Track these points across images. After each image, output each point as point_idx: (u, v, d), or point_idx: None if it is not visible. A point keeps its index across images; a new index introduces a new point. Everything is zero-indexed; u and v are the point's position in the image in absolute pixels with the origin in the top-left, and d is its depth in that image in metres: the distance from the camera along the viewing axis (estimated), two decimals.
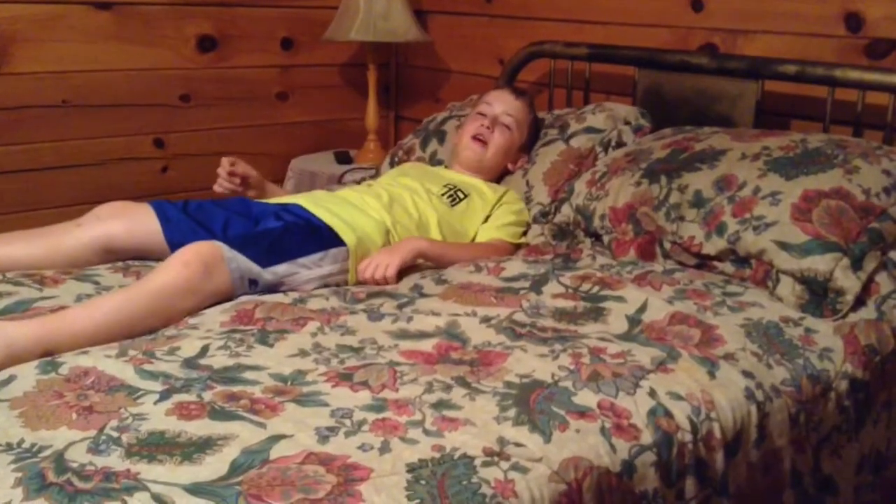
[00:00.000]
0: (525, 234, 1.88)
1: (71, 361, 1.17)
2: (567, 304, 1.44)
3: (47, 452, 0.96)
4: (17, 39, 2.20)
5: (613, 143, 1.97)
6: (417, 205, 1.79)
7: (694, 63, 1.99)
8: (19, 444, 0.97)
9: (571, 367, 1.20)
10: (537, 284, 1.52)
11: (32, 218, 1.97)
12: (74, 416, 1.03)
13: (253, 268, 1.48)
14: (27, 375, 1.13)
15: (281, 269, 1.52)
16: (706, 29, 2.09)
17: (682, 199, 1.62)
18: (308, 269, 1.55)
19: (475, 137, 1.95)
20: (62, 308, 1.35)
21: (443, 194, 1.85)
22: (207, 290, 1.40)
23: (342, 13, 2.53)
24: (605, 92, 2.22)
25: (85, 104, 2.33)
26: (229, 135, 2.59)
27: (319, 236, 1.60)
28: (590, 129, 1.98)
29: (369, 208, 1.73)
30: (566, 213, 1.83)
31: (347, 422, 1.05)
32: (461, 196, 1.86)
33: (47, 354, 1.21)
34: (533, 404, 1.11)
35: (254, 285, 1.48)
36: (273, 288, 1.51)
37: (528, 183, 1.96)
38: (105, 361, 1.17)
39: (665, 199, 1.65)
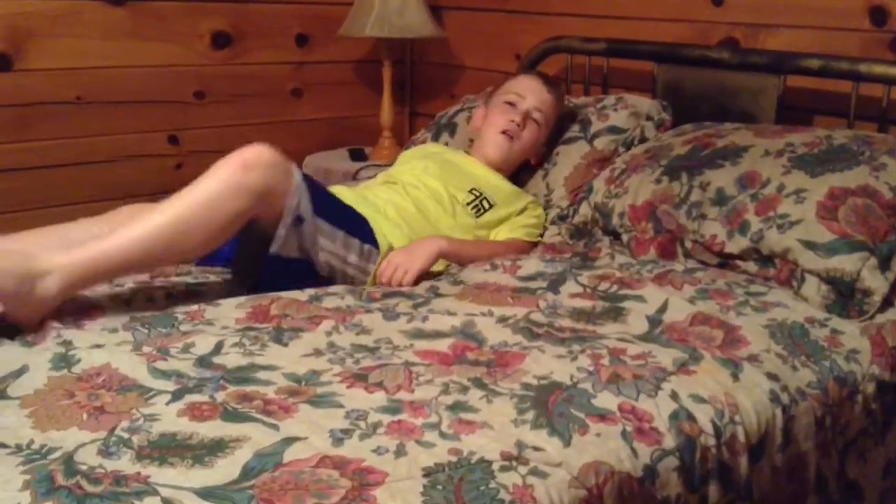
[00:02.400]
0: (542, 235, 1.86)
1: (85, 358, 1.16)
2: (585, 303, 1.41)
3: (57, 454, 0.94)
4: (32, 36, 2.19)
5: (636, 142, 1.94)
6: (440, 220, 1.75)
7: (715, 58, 1.95)
8: (28, 445, 0.96)
9: (591, 369, 1.18)
10: (554, 284, 1.49)
11: (46, 215, 1.95)
12: (85, 416, 1.01)
13: (308, 206, 1.45)
14: (39, 370, 1.12)
15: (325, 226, 1.49)
16: (727, 23, 2.05)
17: (703, 197, 1.59)
18: (339, 245, 1.53)
19: (505, 133, 1.88)
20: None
21: (468, 203, 1.81)
22: (262, 191, 1.37)
23: (357, 9, 2.51)
24: (623, 87, 2.19)
25: (99, 101, 2.32)
26: (244, 131, 2.56)
27: (360, 227, 1.59)
28: (613, 129, 1.94)
29: (399, 218, 1.70)
30: (584, 212, 1.80)
31: (362, 424, 1.03)
32: (486, 206, 1.82)
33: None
34: (552, 407, 1.09)
35: (298, 223, 1.44)
36: (304, 241, 1.46)
37: (548, 186, 1.93)
38: (119, 357, 1.15)
39: (686, 197, 1.61)
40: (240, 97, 2.56)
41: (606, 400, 1.11)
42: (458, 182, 1.84)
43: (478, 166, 1.91)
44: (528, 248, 1.78)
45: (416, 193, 1.78)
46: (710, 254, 1.57)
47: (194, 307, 1.36)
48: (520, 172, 1.97)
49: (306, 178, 1.52)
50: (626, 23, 2.24)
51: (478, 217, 1.80)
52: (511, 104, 1.90)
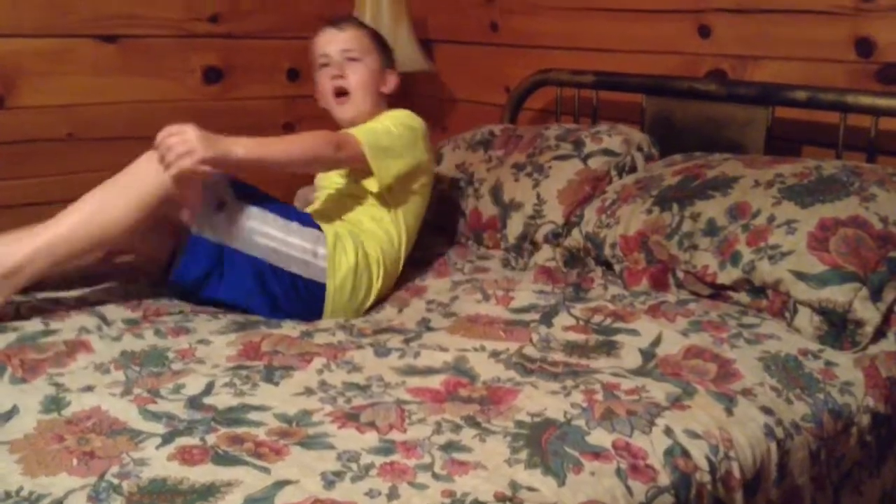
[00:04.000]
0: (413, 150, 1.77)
1: (75, 401, 1.14)
2: (578, 337, 1.41)
3: (46, 501, 0.93)
4: (24, 73, 2.20)
5: (627, 169, 1.94)
6: (355, 209, 1.74)
7: (702, 90, 1.97)
8: (18, 492, 0.94)
9: (584, 405, 1.17)
10: (547, 316, 1.49)
11: None
12: (75, 461, 1.00)
13: (230, 191, 1.51)
14: (29, 412, 1.11)
15: (252, 210, 1.52)
16: (714, 55, 2.07)
17: (694, 228, 1.60)
18: (276, 230, 1.54)
19: (336, 93, 1.82)
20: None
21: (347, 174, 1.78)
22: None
23: None
24: (612, 119, 2.20)
25: (91, 137, 2.33)
26: None
27: (294, 213, 1.62)
28: (607, 152, 1.95)
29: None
30: (577, 238, 1.80)
31: (354, 466, 1.02)
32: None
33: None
34: (545, 445, 1.08)
35: (220, 208, 1.49)
36: (232, 226, 1.50)
37: (539, 196, 1.91)
38: (109, 400, 1.14)
39: (677, 228, 1.62)
40: (232, 131, 2.55)
41: (600, 437, 1.10)
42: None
43: None
44: (353, 143, 1.64)
45: (330, 193, 1.81)
46: (703, 284, 1.57)
47: (185, 345, 1.35)
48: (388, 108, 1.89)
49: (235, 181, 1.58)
50: (614, 55, 2.26)
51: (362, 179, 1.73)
52: (325, 65, 1.83)
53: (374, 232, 1.69)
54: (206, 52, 2.47)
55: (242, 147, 1.47)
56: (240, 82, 2.56)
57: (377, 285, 1.65)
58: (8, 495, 0.94)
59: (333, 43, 1.81)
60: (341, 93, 1.81)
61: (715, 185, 1.65)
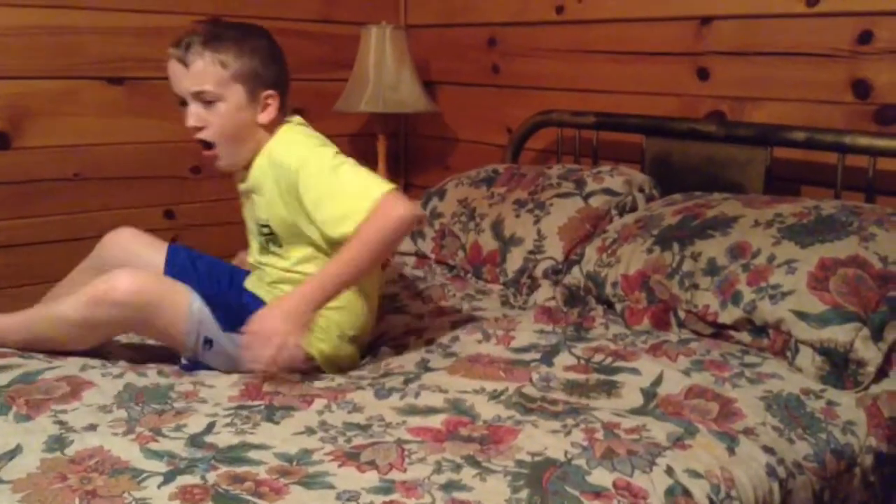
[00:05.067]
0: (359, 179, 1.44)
1: (78, 440, 1.15)
2: (579, 376, 1.41)
3: None
4: (31, 114, 2.23)
5: (628, 208, 1.96)
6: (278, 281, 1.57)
7: (702, 131, 1.99)
8: None
9: (585, 444, 1.17)
10: (548, 355, 1.49)
11: (44, 290, 1.96)
12: (77, 501, 1.00)
13: (214, 326, 1.42)
14: (33, 451, 1.11)
15: (238, 338, 1.41)
16: (713, 97, 2.10)
17: (695, 267, 1.60)
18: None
19: (200, 143, 1.53)
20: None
21: (264, 237, 1.56)
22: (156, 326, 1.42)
23: (352, 85, 2.57)
24: (612, 159, 2.23)
25: (97, 177, 2.35)
26: (239, 205, 2.59)
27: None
28: (608, 191, 1.97)
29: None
30: (577, 276, 1.80)
31: None
32: (266, 231, 1.55)
33: None
34: (546, 485, 1.07)
35: (207, 345, 1.43)
36: (228, 355, 1.43)
37: (539, 232, 1.91)
38: (112, 439, 1.14)
39: (678, 267, 1.62)
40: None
41: (601, 476, 1.10)
42: (250, 217, 1.60)
43: (244, 186, 1.59)
44: (381, 203, 1.39)
45: (270, 280, 1.60)
46: (704, 324, 1.57)
47: (189, 386, 1.35)
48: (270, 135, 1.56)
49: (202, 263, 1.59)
50: (613, 97, 2.29)
51: (277, 246, 1.54)
52: (182, 105, 1.52)
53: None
54: None
55: (320, 294, 1.39)
56: None
57: (354, 345, 1.56)
58: None
59: (180, 81, 1.48)
60: (206, 146, 1.53)
61: (715, 225, 1.66)
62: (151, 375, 1.40)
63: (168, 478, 1.05)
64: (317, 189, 1.43)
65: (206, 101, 1.48)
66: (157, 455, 1.11)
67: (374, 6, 2.72)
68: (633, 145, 2.17)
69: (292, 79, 2.64)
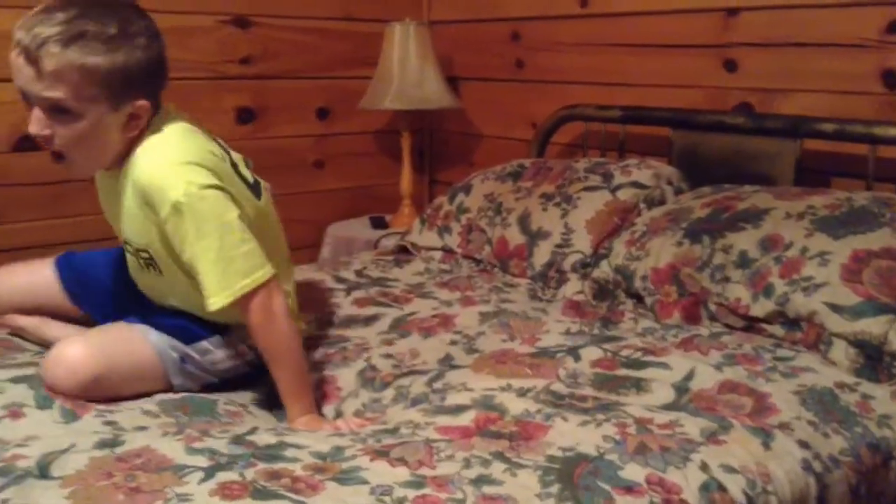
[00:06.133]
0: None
1: (129, 439, 1.17)
2: (608, 371, 1.40)
3: None
4: None
5: (656, 202, 1.94)
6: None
7: (730, 123, 1.97)
8: None
9: (617, 438, 1.16)
10: (575, 350, 1.48)
11: None
12: (121, 497, 1.01)
13: (178, 344, 1.37)
14: (83, 449, 1.13)
15: (205, 344, 1.38)
16: (741, 89, 2.08)
17: (726, 260, 1.59)
18: (223, 348, 1.42)
19: (48, 149, 1.29)
20: None
21: (141, 259, 1.40)
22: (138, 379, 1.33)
23: (376, 82, 2.57)
24: (638, 153, 2.22)
25: None
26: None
27: (202, 322, 1.41)
28: (636, 184, 1.96)
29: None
30: (605, 270, 1.80)
31: (388, 499, 1.02)
32: (144, 256, 1.39)
33: None
34: (577, 479, 1.07)
35: (184, 362, 1.38)
36: (199, 369, 1.40)
37: (566, 226, 1.91)
38: (160, 440, 1.16)
39: (709, 260, 1.61)
40: (263, 170, 2.60)
41: (633, 472, 1.09)
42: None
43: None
44: (269, 312, 1.30)
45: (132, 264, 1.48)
46: (736, 317, 1.56)
47: (236, 408, 1.37)
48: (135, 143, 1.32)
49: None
50: (638, 90, 2.28)
51: (157, 271, 1.39)
52: (26, 100, 1.24)
53: None
54: (239, 93, 2.53)
55: (311, 407, 1.36)
56: (271, 122, 2.61)
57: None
58: None
59: (28, 84, 1.20)
60: (53, 153, 1.29)
61: (746, 217, 1.65)
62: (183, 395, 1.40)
63: (209, 474, 1.07)
64: (189, 244, 1.26)
65: (58, 110, 1.21)
66: (199, 452, 1.13)
67: (398, 3, 2.73)
68: (660, 139, 2.16)
69: (316, 76, 2.67)
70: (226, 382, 1.46)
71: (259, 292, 1.29)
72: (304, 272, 2.00)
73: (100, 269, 1.58)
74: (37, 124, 1.22)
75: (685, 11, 2.17)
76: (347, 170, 2.81)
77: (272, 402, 1.41)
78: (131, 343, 1.36)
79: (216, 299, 1.28)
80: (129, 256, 1.44)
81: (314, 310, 1.76)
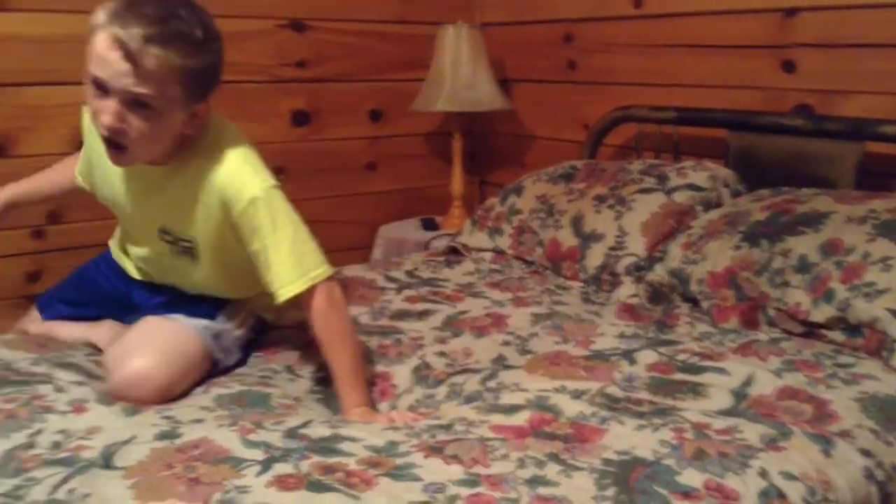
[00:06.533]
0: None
1: (187, 431, 1.20)
2: (664, 375, 1.39)
3: None
4: None
5: (713, 204, 1.92)
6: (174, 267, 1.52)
7: (789, 125, 1.94)
8: None
9: (674, 443, 1.15)
10: (630, 352, 1.47)
11: None
12: (182, 487, 1.04)
13: (208, 323, 1.47)
14: (144, 441, 1.17)
15: (220, 319, 1.49)
16: (799, 90, 2.04)
17: (785, 264, 1.56)
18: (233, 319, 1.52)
19: (106, 141, 1.30)
20: None
21: (177, 245, 1.46)
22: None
23: (429, 85, 2.59)
24: (692, 155, 2.19)
25: None
26: (320, 204, 2.65)
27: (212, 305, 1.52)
28: (692, 186, 1.94)
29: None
30: (660, 273, 1.78)
31: (440, 497, 1.03)
32: (186, 245, 1.45)
33: None
34: (633, 483, 1.07)
35: (217, 337, 1.47)
36: (229, 340, 1.49)
37: (621, 228, 1.89)
38: (216, 432, 1.19)
39: (768, 264, 1.59)
40: (317, 172, 2.66)
41: (691, 477, 1.08)
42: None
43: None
44: (334, 302, 1.39)
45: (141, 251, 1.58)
46: (795, 322, 1.53)
47: (290, 401, 1.39)
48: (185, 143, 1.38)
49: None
50: (693, 91, 2.25)
51: (190, 258, 1.46)
52: (97, 89, 1.26)
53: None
54: (295, 96, 2.57)
55: (363, 395, 1.39)
56: (325, 124, 2.65)
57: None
58: None
59: (119, 78, 1.22)
60: (112, 144, 1.30)
61: (806, 221, 1.62)
62: (235, 386, 1.43)
63: (265, 466, 1.09)
64: (262, 237, 1.36)
65: (141, 104, 1.25)
66: (255, 445, 1.15)
67: (450, 6, 2.74)
68: (714, 140, 2.13)
69: (370, 79, 2.70)
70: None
71: (325, 282, 1.39)
72: (355, 271, 2.03)
73: (87, 285, 1.66)
74: (114, 116, 1.25)
75: (742, 12, 2.14)
76: (399, 171, 2.83)
77: (327, 396, 1.43)
78: (181, 337, 1.43)
79: (292, 287, 1.37)
80: (158, 244, 1.48)
81: (365, 304, 1.78)
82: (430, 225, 2.68)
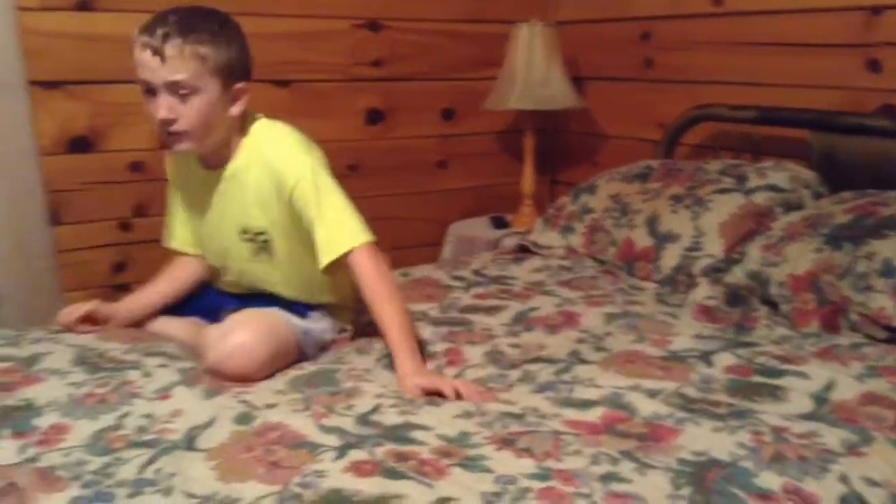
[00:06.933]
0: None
1: (262, 416, 1.24)
2: (742, 378, 1.37)
3: None
4: None
5: (794, 206, 1.87)
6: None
7: (874, 126, 1.88)
8: (214, 496, 1.03)
9: (752, 445, 1.14)
10: (707, 354, 1.45)
11: None
12: (262, 470, 1.08)
13: (298, 320, 1.55)
14: (224, 424, 1.21)
15: (312, 317, 1.59)
16: (885, 90, 1.98)
17: (869, 268, 1.52)
18: (319, 322, 1.61)
19: (168, 135, 1.47)
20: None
21: (255, 244, 1.58)
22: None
23: (502, 83, 2.60)
24: (772, 156, 2.14)
25: None
26: (391, 202, 2.69)
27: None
28: (772, 187, 1.89)
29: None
30: (738, 275, 1.74)
31: (512, 488, 1.04)
32: (263, 240, 1.57)
33: None
34: (709, 484, 1.05)
35: (305, 335, 1.55)
36: (316, 339, 1.58)
37: (697, 228, 1.86)
38: (291, 416, 1.23)
39: (850, 268, 1.54)
40: (389, 169, 2.70)
41: (769, 480, 1.06)
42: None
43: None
44: (369, 253, 1.48)
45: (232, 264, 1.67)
46: (878, 328, 1.48)
47: (358, 372, 1.42)
48: (240, 127, 1.55)
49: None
50: (774, 90, 2.20)
51: (268, 254, 1.59)
52: (146, 91, 1.45)
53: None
54: (369, 95, 2.61)
55: (412, 352, 1.44)
56: (398, 122, 2.68)
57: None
58: (206, 499, 1.02)
59: (155, 73, 1.42)
60: (171, 133, 1.46)
61: (891, 224, 1.57)
62: (309, 367, 1.48)
63: (341, 452, 1.12)
64: (311, 209, 1.49)
65: (181, 93, 1.43)
66: (330, 430, 1.18)
67: (524, 4, 2.74)
68: (795, 141, 2.08)
69: (443, 78, 2.72)
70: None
71: (369, 246, 1.50)
72: (422, 271, 2.05)
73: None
74: (165, 109, 1.44)
75: (825, 10, 2.08)
76: (469, 169, 2.85)
77: (391, 367, 1.45)
78: (278, 322, 1.51)
79: (337, 249, 1.48)
80: (240, 247, 1.60)
81: (433, 301, 1.80)
82: (499, 223, 2.68)
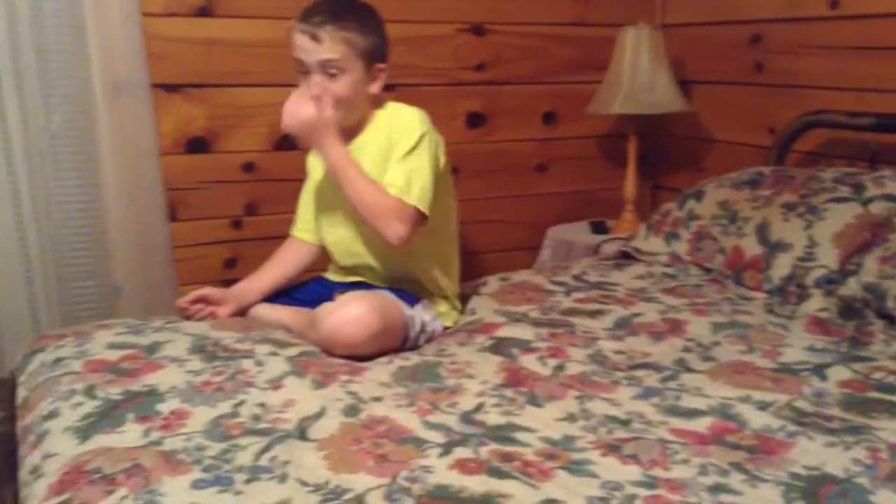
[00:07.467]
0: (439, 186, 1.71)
1: (368, 408, 1.28)
2: (857, 393, 1.32)
3: (349, 496, 1.04)
4: None
5: None
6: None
7: None
8: (325, 484, 1.07)
9: (868, 462, 1.10)
10: (821, 367, 1.41)
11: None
12: (371, 462, 1.11)
13: (406, 306, 1.67)
14: (333, 415, 1.26)
15: (420, 306, 1.70)
16: None
17: None
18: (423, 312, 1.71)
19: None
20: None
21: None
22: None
23: (606, 87, 2.57)
24: (891, 164, 2.04)
25: None
26: (490, 204, 2.71)
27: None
28: (890, 197, 1.81)
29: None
30: (853, 288, 1.68)
31: (618, 494, 1.04)
32: None
33: None
34: (823, 500, 1.02)
35: (412, 320, 1.66)
36: (420, 326, 1.68)
37: (811, 238, 1.80)
38: (396, 411, 1.26)
39: None
40: (489, 172, 2.71)
41: (886, 498, 1.03)
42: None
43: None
44: (404, 215, 1.62)
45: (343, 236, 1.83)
46: None
47: (459, 366, 1.44)
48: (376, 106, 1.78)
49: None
50: (892, 96, 2.10)
51: None
52: (301, 72, 1.68)
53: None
54: (471, 99, 2.63)
55: (335, 153, 1.64)
56: (499, 126, 2.69)
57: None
58: (318, 487, 1.06)
59: (310, 54, 1.64)
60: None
61: None
62: (414, 358, 1.51)
63: (446, 449, 1.14)
64: (400, 154, 1.66)
65: (331, 72, 1.64)
66: (435, 427, 1.21)
67: (631, 8, 2.71)
68: None
69: (545, 82, 2.72)
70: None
71: (415, 212, 1.63)
72: (522, 276, 2.05)
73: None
74: (318, 86, 1.65)
75: None
76: (568, 174, 2.83)
77: (491, 363, 1.48)
78: (388, 300, 1.63)
79: (394, 190, 1.62)
80: (357, 224, 1.75)
81: (534, 304, 1.80)
82: (599, 228, 2.66)
